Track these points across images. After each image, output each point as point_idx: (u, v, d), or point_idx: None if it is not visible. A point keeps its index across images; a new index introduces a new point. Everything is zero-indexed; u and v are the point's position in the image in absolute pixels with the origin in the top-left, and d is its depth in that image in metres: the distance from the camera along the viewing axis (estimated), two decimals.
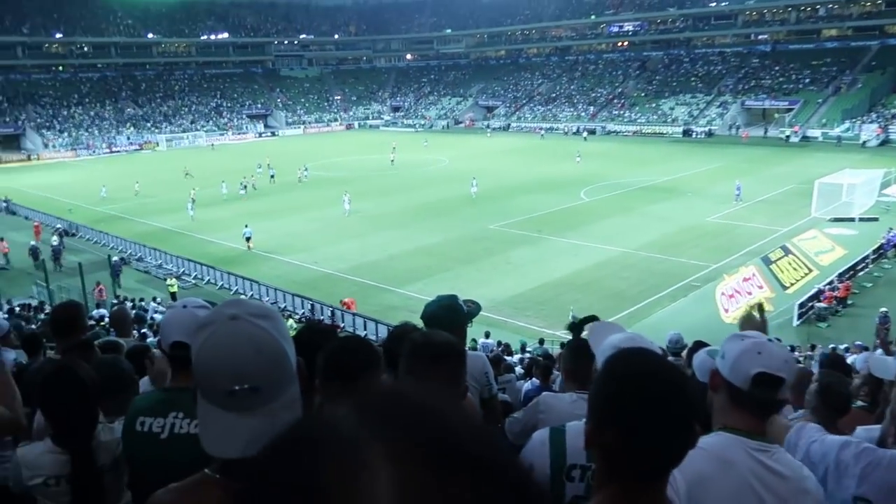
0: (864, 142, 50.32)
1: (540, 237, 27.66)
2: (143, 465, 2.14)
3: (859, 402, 3.92)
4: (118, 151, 67.24)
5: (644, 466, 1.30)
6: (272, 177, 43.63)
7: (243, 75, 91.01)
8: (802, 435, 2.27)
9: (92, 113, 73.99)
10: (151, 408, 2.21)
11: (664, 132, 63.33)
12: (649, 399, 1.29)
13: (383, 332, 15.66)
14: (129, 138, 70.65)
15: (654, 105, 69.05)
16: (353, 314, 19.54)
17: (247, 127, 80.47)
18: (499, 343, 15.56)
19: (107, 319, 12.91)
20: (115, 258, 25.21)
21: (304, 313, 20.53)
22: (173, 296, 21.40)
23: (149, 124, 75.16)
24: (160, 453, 2.06)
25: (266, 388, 1.30)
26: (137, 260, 27.60)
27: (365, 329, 18.56)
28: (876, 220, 27.32)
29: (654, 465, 1.31)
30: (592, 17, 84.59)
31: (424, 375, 1.79)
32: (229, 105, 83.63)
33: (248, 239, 27.83)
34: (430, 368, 1.79)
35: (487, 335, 16.39)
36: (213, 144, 69.27)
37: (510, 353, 14.17)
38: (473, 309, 3.44)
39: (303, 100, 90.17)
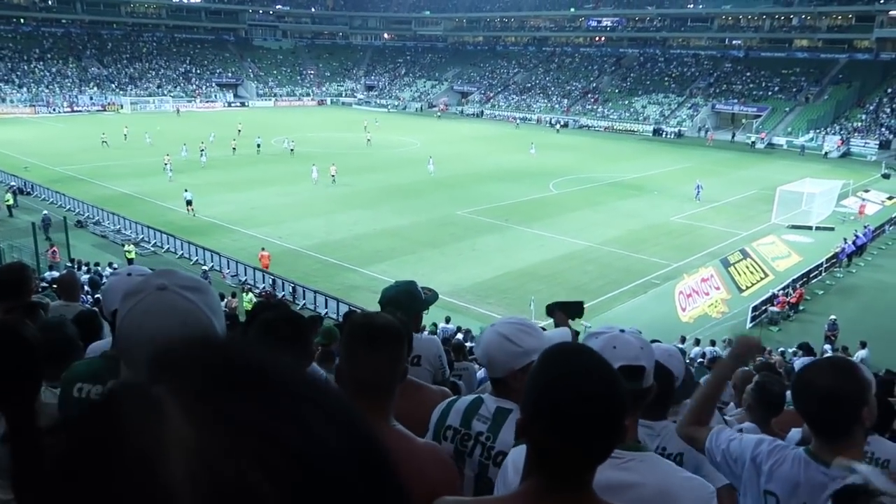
0: (826, 153, 51.63)
1: (507, 226, 27.75)
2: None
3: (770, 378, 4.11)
4: (80, 111, 65.22)
5: (568, 462, 1.32)
6: (258, 146, 43.84)
7: (215, 42, 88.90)
8: (721, 434, 2.35)
9: (54, 69, 71.51)
10: (90, 374, 2.14)
11: (635, 130, 64.00)
12: (578, 397, 1.30)
13: (345, 311, 15.56)
14: (91, 98, 68.56)
15: (626, 102, 69.67)
16: (315, 291, 19.35)
17: (216, 95, 78.76)
18: (458, 329, 15.60)
19: None
20: (45, 212, 24.88)
21: (264, 287, 20.27)
22: (130, 262, 20.88)
23: (113, 85, 73.00)
24: None
25: None
26: (95, 223, 26.86)
27: (326, 307, 18.44)
28: (832, 229, 28.09)
29: (579, 461, 1.33)
30: (572, 10, 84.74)
31: (362, 355, 1.77)
32: (199, 72, 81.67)
33: (188, 203, 27.85)
34: (368, 349, 1.78)
35: (448, 320, 16.43)
36: (178, 110, 67.62)
37: (471, 340, 14.22)
38: (430, 296, 3.44)
39: (275, 72, 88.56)
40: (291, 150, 43.13)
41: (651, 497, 1.71)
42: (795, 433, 3.54)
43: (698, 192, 33.21)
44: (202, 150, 39.27)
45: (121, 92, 71.51)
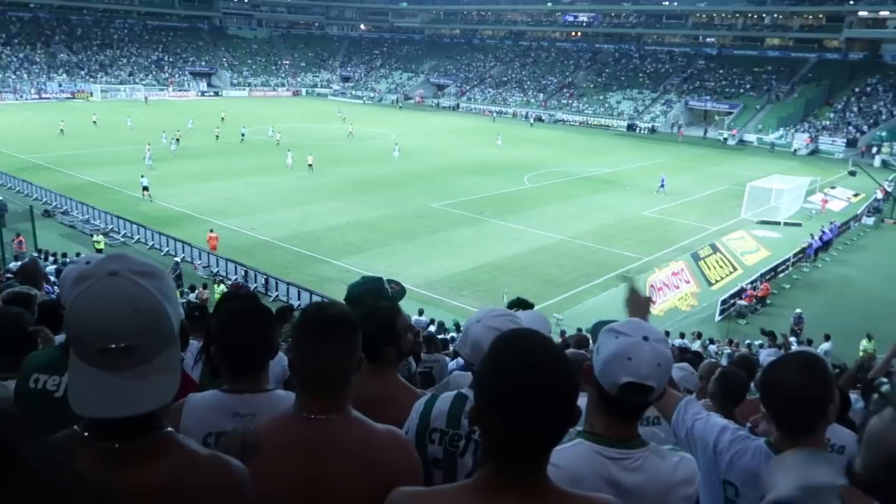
0: (796, 150, 52.60)
1: (481, 219, 27.83)
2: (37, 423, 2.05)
3: (734, 369, 4.21)
4: (48, 98, 63.75)
5: (521, 449, 1.33)
6: (243, 135, 43.96)
7: (188, 30, 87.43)
8: (689, 409, 2.33)
9: (21, 55, 69.71)
10: (46, 365, 2.12)
11: (609, 125, 64.48)
12: (530, 384, 1.30)
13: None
14: (60, 85, 67.02)
15: (601, 97, 70.13)
16: (288, 283, 19.24)
17: (189, 84, 77.51)
18: (432, 321, 15.64)
19: None
20: None
21: (236, 279, 20.08)
22: (99, 252, 20.51)
23: (83, 72, 71.42)
24: (54, 411, 1.97)
25: (141, 348, 1.27)
26: (63, 213, 26.34)
27: (298, 299, 18.34)
28: (799, 225, 28.66)
29: (531, 448, 1.34)
30: (549, 4, 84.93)
31: (314, 348, 1.75)
32: (171, 60, 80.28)
33: (145, 189, 28.30)
34: (320, 341, 1.75)
35: (421, 312, 16.45)
36: (146, 98, 66.30)
37: (444, 332, 14.28)
38: (397, 292, 3.39)
39: (249, 61, 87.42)
40: (277, 141, 42.61)
41: (659, 494, 1.79)
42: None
43: (662, 185, 34.03)
44: (175, 139, 38.73)
45: (91, 79, 69.99)
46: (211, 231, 22.50)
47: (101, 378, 1.26)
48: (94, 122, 47.14)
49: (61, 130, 42.14)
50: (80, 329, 1.26)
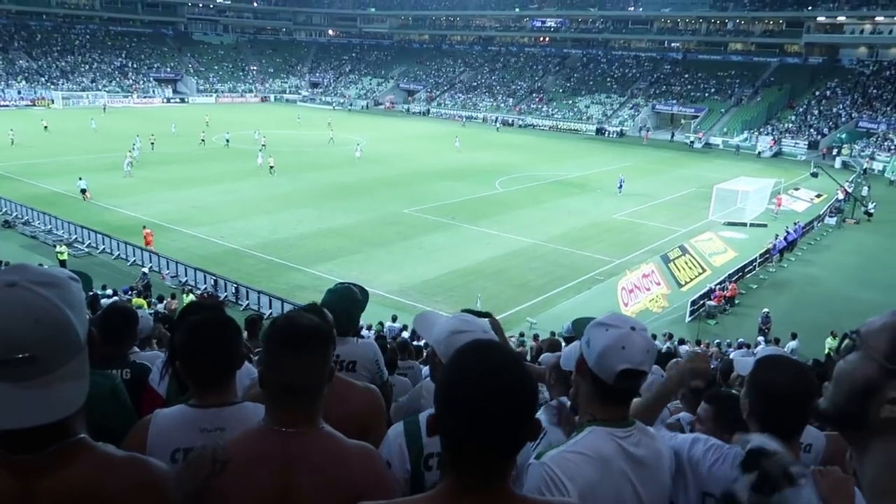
0: (760, 152, 53.74)
1: (453, 224, 27.84)
2: None
3: (732, 391, 4.18)
4: (6, 106, 62.11)
5: (481, 458, 1.33)
6: (227, 141, 44.25)
7: (152, 36, 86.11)
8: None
9: None
10: None
11: (579, 129, 65.14)
12: (483, 393, 1.30)
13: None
14: (20, 92, 65.41)
15: (570, 102, 70.84)
16: (259, 291, 18.98)
17: (154, 91, 76.29)
18: (404, 327, 15.55)
19: None
20: None
21: (205, 289, 19.74)
22: (63, 263, 20.01)
23: (43, 79, 69.81)
24: None
25: (44, 359, 1.25)
26: (24, 223, 25.65)
27: (270, 307, 18.10)
28: (765, 226, 29.23)
29: (491, 457, 1.34)
30: (517, 9, 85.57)
31: (285, 360, 1.73)
32: (136, 66, 78.95)
33: (83, 191, 28.68)
34: (292, 353, 1.73)
35: (394, 319, 16.38)
36: (105, 107, 64.37)
37: (418, 339, 14.19)
38: (363, 300, 3.42)
39: (216, 67, 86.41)
40: (263, 145, 42.44)
41: (656, 461, 1.94)
42: (686, 416, 3.58)
43: (621, 186, 34.86)
44: (132, 148, 37.65)
45: (52, 86, 68.42)
46: (144, 227, 23.41)
47: (5, 390, 1.25)
48: (45, 126, 46.65)
49: (11, 141, 40.35)
50: None
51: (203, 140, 44.32)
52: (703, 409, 3.17)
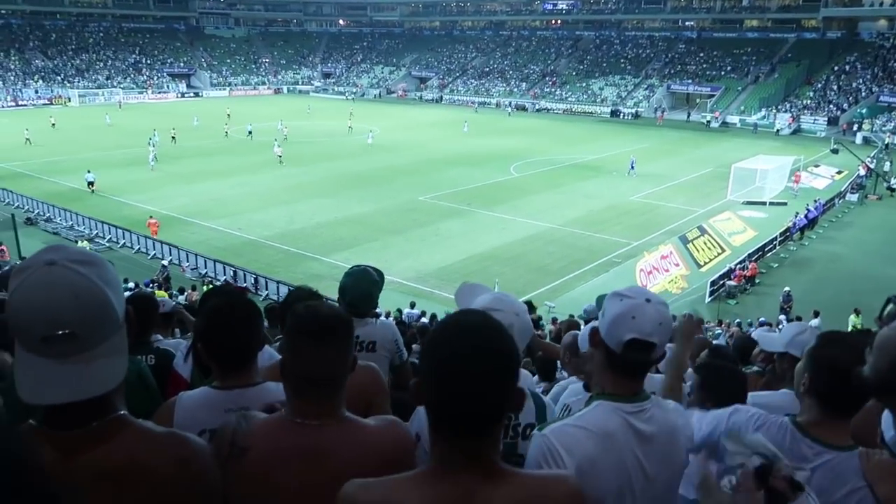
0: (778, 130, 52.92)
1: (469, 210, 27.79)
2: None
3: (754, 368, 4.17)
4: (24, 105, 62.86)
5: (460, 427, 1.33)
6: (250, 133, 44.78)
7: (165, 31, 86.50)
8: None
9: None
10: None
11: (593, 112, 64.57)
12: (461, 352, 1.31)
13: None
14: (37, 91, 66.11)
15: (584, 84, 70.19)
16: (278, 281, 19.12)
17: (168, 86, 76.71)
18: (423, 313, 15.60)
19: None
20: None
21: (225, 280, 19.93)
22: None
23: (59, 77, 70.50)
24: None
25: (84, 335, 1.29)
26: (45, 220, 26.02)
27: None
28: (784, 204, 28.85)
29: (471, 426, 1.33)
30: None
31: (308, 350, 1.72)
32: (149, 62, 79.42)
33: (90, 184, 29.47)
34: (314, 343, 1.72)
35: (413, 305, 16.43)
36: (120, 103, 64.98)
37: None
38: (381, 281, 3.45)
39: (228, 60, 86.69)
40: (286, 136, 43.51)
41: (668, 437, 1.90)
42: (749, 396, 3.53)
43: (633, 167, 34.86)
44: (151, 141, 38.34)
45: (68, 84, 69.11)
46: (150, 217, 24.16)
47: (47, 366, 1.28)
48: (53, 124, 47.40)
49: (27, 140, 40.50)
50: (20, 319, 1.28)
51: (227, 133, 45.32)
52: (692, 378, 3.14)
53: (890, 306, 1.09)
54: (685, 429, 1.97)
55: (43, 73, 70.09)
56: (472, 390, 1.29)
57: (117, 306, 1.35)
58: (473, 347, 1.31)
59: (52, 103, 63.99)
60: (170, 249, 22.06)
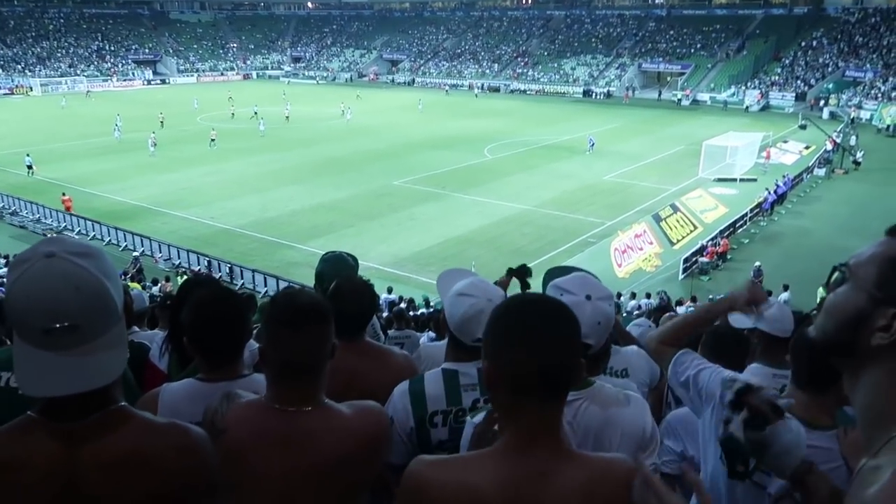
0: (748, 106, 53.56)
1: (444, 193, 27.77)
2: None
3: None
4: None
5: (534, 398, 1.35)
6: (255, 113, 45.16)
7: (128, 16, 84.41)
8: (684, 360, 2.11)
9: None
10: (8, 361, 2.08)
11: (565, 92, 64.68)
12: (537, 314, 1.35)
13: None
14: None
15: (556, 64, 70.19)
16: (253, 270, 18.98)
17: (133, 73, 75.04)
18: (400, 298, 15.62)
19: None
20: None
21: (199, 270, 19.71)
22: None
23: (20, 66, 68.53)
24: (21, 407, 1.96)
25: (85, 327, 1.29)
26: (11, 214, 25.44)
27: (265, 286, 18.13)
28: (755, 180, 29.27)
29: (546, 406, 1.36)
30: None
31: (286, 338, 1.72)
32: (113, 49, 77.52)
33: (29, 167, 29.59)
34: (292, 330, 1.72)
35: (390, 290, 16.44)
36: (89, 91, 63.64)
37: (414, 309, 14.27)
38: (355, 261, 3.49)
39: (195, 46, 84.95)
40: (287, 116, 45.36)
41: (599, 427, 1.86)
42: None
43: (592, 145, 35.60)
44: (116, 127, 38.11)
45: (29, 73, 67.23)
46: (63, 194, 24.69)
47: (48, 358, 1.28)
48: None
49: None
50: (20, 312, 1.28)
51: (233, 114, 46.68)
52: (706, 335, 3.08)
53: (836, 274, 1.14)
54: (626, 423, 1.88)
55: (2, 63, 68.09)
56: (550, 353, 1.32)
57: (116, 298, 1.36)
58: (549, 310, 1.36)
59: (13, 93, 62.28)
60: (141, 240, 21.73)
